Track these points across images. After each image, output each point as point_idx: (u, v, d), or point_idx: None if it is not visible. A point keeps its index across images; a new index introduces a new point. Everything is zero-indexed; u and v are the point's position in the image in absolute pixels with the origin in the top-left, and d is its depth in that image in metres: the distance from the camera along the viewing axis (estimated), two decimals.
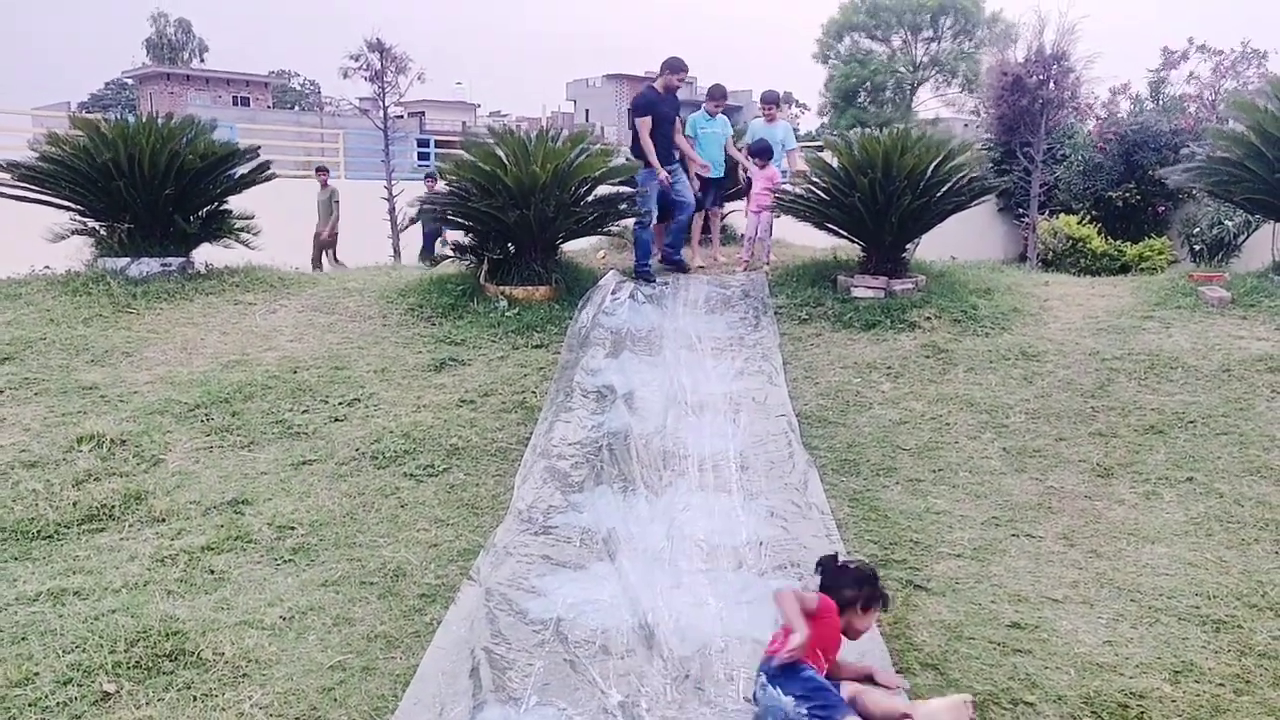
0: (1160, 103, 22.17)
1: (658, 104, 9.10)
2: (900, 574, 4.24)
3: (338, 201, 15.42)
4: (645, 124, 9.00)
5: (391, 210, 15.67)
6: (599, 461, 5.54)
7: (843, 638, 3.22)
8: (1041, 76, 16.17)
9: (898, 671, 3.42)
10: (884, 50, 54.37)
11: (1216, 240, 17.97)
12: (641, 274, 9.16)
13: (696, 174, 9.60)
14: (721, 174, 10.07)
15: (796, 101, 60.40)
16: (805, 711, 2.94)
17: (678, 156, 9.30)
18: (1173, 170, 9.58)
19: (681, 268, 9.63)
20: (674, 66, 9.10)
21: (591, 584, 4.20)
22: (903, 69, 53.47)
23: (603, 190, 9.03)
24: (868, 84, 52.93)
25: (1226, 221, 17.73)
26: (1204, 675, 3.45)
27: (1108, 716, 3.22)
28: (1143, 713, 3.24)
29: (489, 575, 4.18)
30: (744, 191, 10.53)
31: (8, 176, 8.64)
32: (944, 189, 8.42)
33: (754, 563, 4.41)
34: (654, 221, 9.26)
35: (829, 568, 3.33)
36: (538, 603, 3.99)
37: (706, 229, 10.60)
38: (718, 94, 10.09)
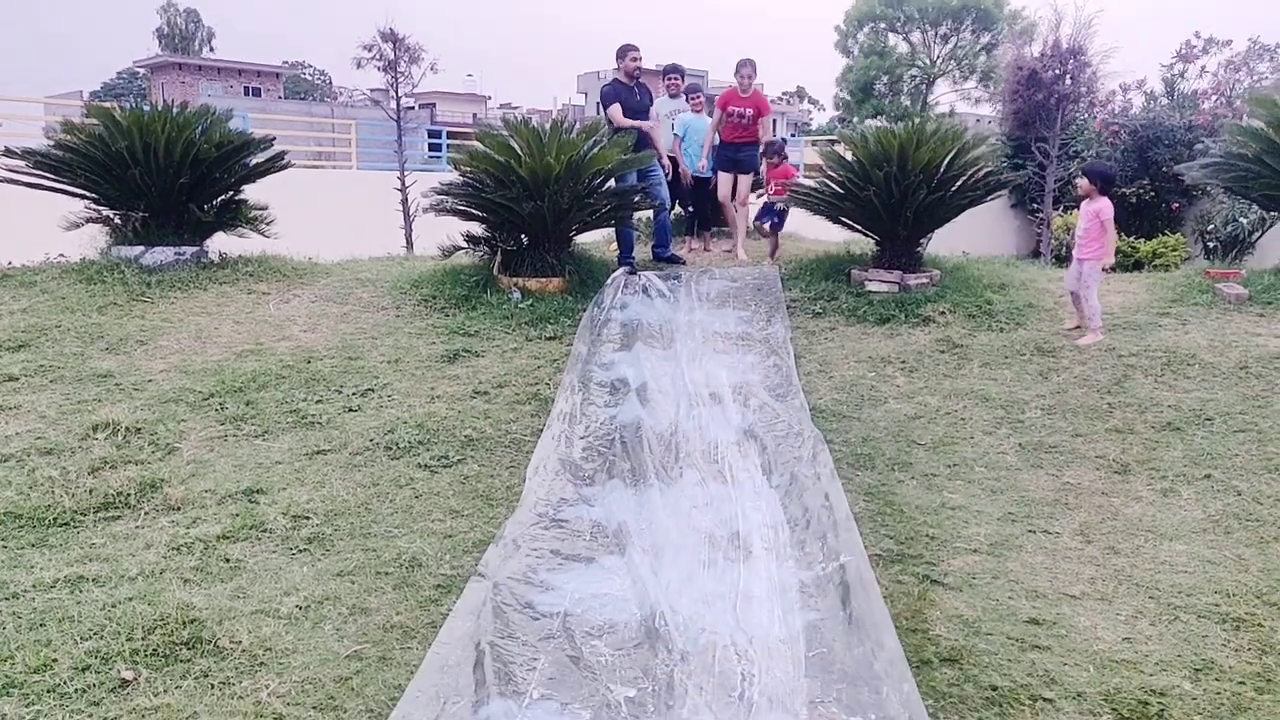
0: (1175, 98, 22.02)
1: (625, 95, 9.11)
2: (917, 569, 4.22)
3: None
4: (615, 111, 9.03)
5: (404, 201, 15.66)
6: (611, 454, 5.53)
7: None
8: (1058, 71, 16.11)
9: (915, 668, 3.40)
10: (903, 43, 54.16)
11: (1231, 237, 17.91)
12: (659, 257, 9.64)
13: (695, 174, 9.98)
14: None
15: (809, 98, 60.05)
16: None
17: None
18: (1190, 166, 9.53)
19: (675, 260, 9.75)
20: (620, 52, 9.15)
21: (600, 577, 4.17)
22: (921, 64, 53.23)
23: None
24: (885, 76, 52.76)
25: (1241, 218, 17.66)
26: (1224, 673, 3.43)
27: (1128, 714, 3.20)
28: (1163, 710, 3.21)
29: (497, 568, 4.16)
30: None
31: (23, 164, 8.67)
32: (959, 183, 8.39)
33: (765, 556, 4.39)
34: (669, 205, 9.44)
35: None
36: (546, 596, 3.96)
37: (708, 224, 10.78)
38: (693, 90, 10.14)
